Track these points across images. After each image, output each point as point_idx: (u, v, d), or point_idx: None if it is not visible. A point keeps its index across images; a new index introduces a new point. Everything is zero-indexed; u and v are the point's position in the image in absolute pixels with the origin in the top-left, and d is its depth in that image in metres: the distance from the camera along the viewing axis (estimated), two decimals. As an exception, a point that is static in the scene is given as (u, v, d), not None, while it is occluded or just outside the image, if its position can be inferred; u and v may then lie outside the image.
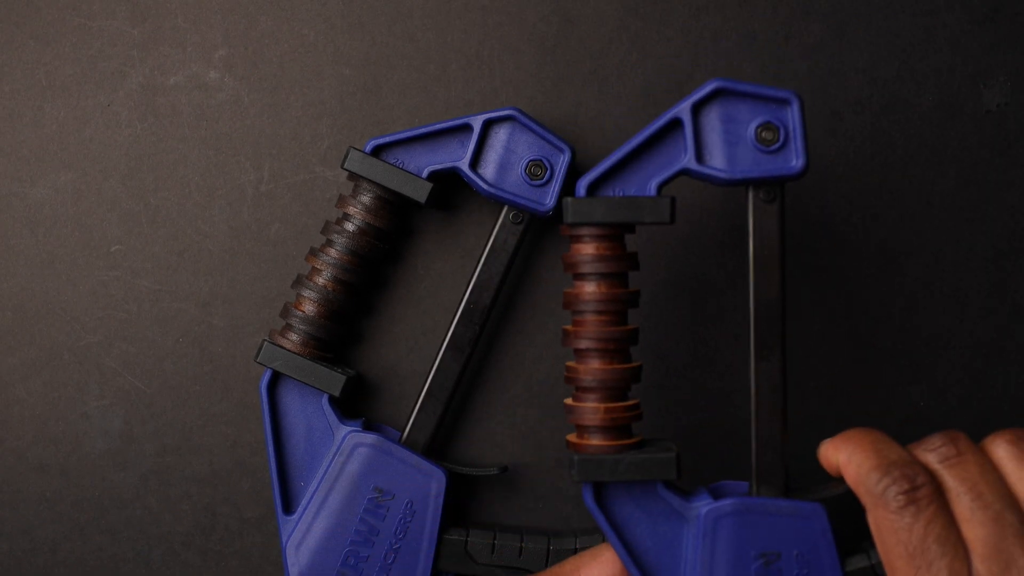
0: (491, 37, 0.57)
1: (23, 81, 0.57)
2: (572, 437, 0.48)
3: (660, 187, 0.46)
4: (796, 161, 0.46)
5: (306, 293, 0.53)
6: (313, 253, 0.54)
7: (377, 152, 0.53)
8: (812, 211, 0.57)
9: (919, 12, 0.57)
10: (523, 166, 0.53)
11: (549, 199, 0.53)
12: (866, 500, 0.44)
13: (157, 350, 0.57)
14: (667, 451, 0.46)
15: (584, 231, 0.46)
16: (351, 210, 0.54)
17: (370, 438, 0.53)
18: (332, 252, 0.53)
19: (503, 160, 0.53)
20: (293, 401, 0.54)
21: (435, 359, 0.54)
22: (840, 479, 0.46)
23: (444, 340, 0.54)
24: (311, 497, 0.53)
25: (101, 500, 0.57)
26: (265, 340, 0.53)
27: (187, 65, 0.57)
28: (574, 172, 0.56)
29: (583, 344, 0.47)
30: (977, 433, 0.57)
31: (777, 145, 0.46)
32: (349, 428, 0.53)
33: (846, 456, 0.45)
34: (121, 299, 0.57)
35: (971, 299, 0.57)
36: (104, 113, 0.57)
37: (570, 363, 0.48)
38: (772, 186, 0.46)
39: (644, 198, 0.45)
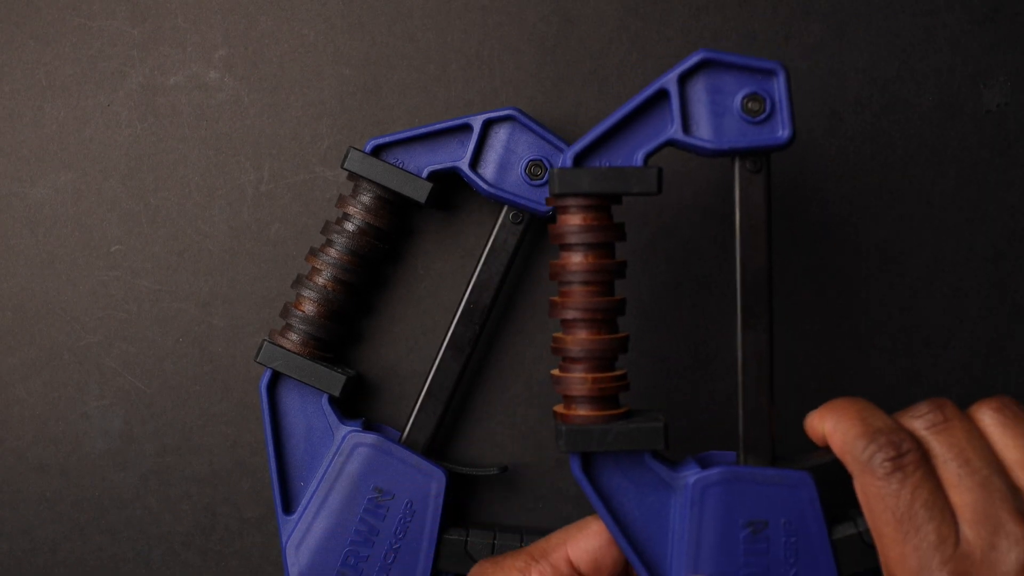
0: (491, 37, 0.57)
1: (23, 81, 0.57)
2: (559, 408, 0.48)
3: (647, 158, 0.46)
4: (782, 131, 0.46)
5: (306, 293, 0.53)
6: (313, 253, 0.54)
7: (377, 152, 0.54)
8: (812, 211, 0.57)
9: (919, 12, 0.57)
10: (523, 166, 0.53)
11: (549, 199, 0.53)
12: (852, 468, 0.44)
13: (157, 350, 0.57)
14: (655, 421, 0.46)
15: (570, 201, 0.46)
16: (351, 210, 0.54)
17: (370, 438, 0.53)
18: (332, 252, 0.53)
19: (503, 160, 0.53)
20: (293, 401, 0.54)
21: (435, 359, 0.54)
22: (826, 448, 0.46)
23: (444, 340, 0.54)
24: (311, 497, 0.53)
25: (101, 500, 0.57)
26: (265, 340, 0.53)
27: (187, 65, 0.57)
28: (574, 172, 0.56)
29: (570, 315, 0.46)
30: (977, 433, 0.57)
31: (763, 116, 0.46)
32: (349, 428, 0.53)
33: (831, 425, 0.45)
34: (121, 299, 0.57)
35: (971, 299, 0.57)
36: (104, 113, 0.57)
37: (557, 334, 0.48)
38: (758, 156, 0.46)
39: (631, 168, 0.45)
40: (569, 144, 0.53)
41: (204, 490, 0.57)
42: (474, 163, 0.53)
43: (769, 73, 0.46)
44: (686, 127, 0.46)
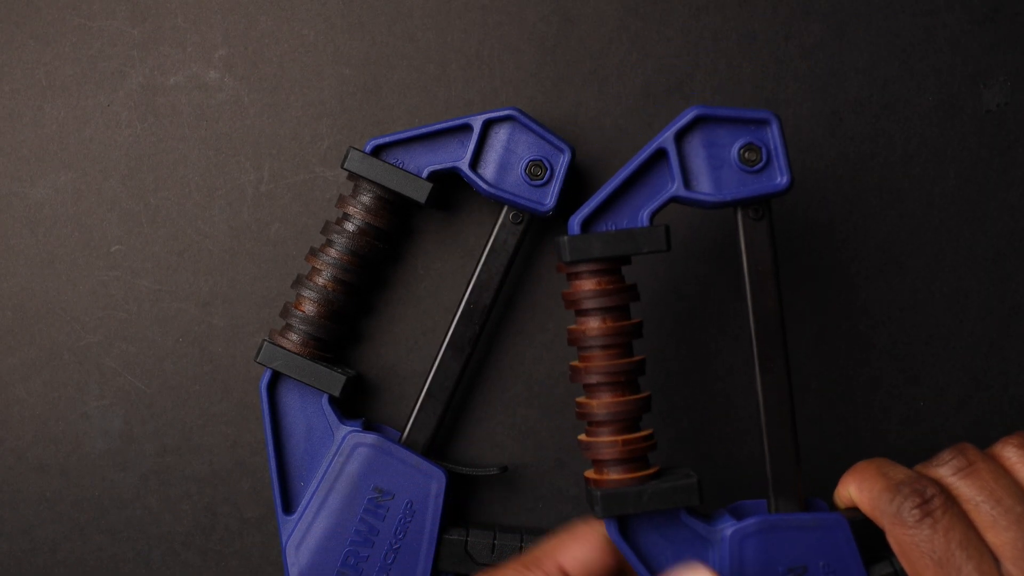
0: (491, 37, 0.57)
1: (23, 81, 0.57)
2: (591, 473, 0.48)
3: (652, 216, 0.47)
4: (781, 178, 0.47)
5: (306, 293, 0.53)
6: (313, 253, 0.54)
7: (377, 152, 0.53)
8: (812, 211, 0.57)
9: (919, 12, 0.57)
10: (523, 166, 0.53)
11: (549, 199, 0.53)
12: (883, 522, 0.44)
13: (157, 350, 0.57)
14: (687, 478, 0.46)
15: (582, 267, 0.47)
16: (351, 210, 0.54)
17: (370, 438, 0.53)
18: (332, 252, 0.53)
19: (503, 160, 0.53)
20: (293, 401, 0.54)
21: (435, 359, 0.54)
22: (853, 509, 0.47)
23: (444, 340, 0.54)
24: (311, 497, 0.53)
25: (101, 500, 0.57)
26: (265, 340, 0.53)
27: (187, 65, 0.57)
28: (574, 172, 0.56)
29: (593, 379, 0.47)
30: (977, 432, 0.57)
31: (761, 164, 0.47)
32: (349, 428, 0.53)
33: (856, 488, 0.46)
34: (121, 299, 0.57)
35: (971, 299, 0.57)
36: (104, 113, 0.57)
37: (580, 399, 0.48)
38: (759, 204, 0.47)
39: (639, 229, 0.46)
40: (569, 144, 0.53)
41: (204, 490, 0.57)
42: (474, 163, 0.53)
43: (763, 123, 0.47)
44: (687, 183, 0.47)
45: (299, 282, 0.54)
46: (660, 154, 0.47)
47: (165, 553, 0.57)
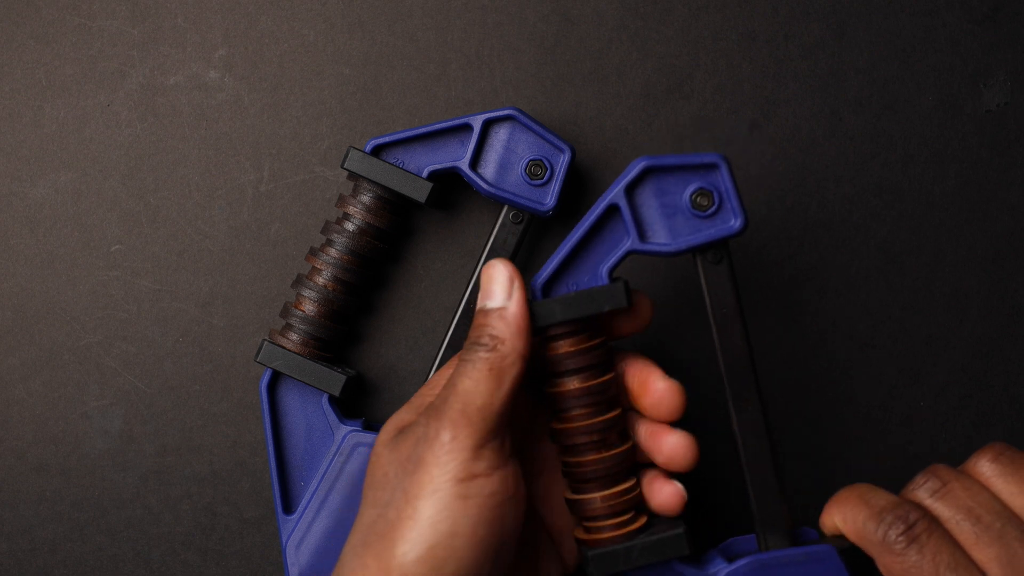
0: (491, 37, 0.57)
1: (23, 81, 0.57)
2: (579, 533, 0.48)
3: (611, 272, 0.47)
4: (735, 221, 0.47)
5: (306, 293, 0.53)
6: (313, 253, 0.54)
7: (377, 152, 0.54)
8: (812, 211, 0.57)
9: (919, 12, 0.57)
10: (523, 166, 0.53)
11: (549, 199, 0.53)
12: (871, 551, 0.45)
13: (157, 350, 0.57)
14: (675, 528, 0.47)
15: (554, 331, 0.47)
16: (351, 210, 0.54)
17: (370, 438, 0.53)
18: (332, 252, 0.53)
19: (503, 160, 0.53)
20: (293, 401, 0.54)
21: (435, 359, 0.54)
22: (839, 537, 0.47)
23: (444, 340, 0.54)
24: (311, 497, 0.53)
25: (101, 500, 0.57)
26: (265, 340, 0.53)
27: (187, 65, 0.57)
28: (574, 172, 0.56)
29: (580, 439, 0.47)
30: (977, 432, 0.57)
31: (713, 208, 0.47)
32: (349, 428, 0.53)
33: (841, 517, 0.46)
34: (121, 299, 0.57)
35: (971, 299, 0.57)
36: (104, 113, 0.57)
37: (567, 458, 0.47)
38: (717, 248, 0.47)
39: (598, 288, 0.46)
40: (569, 144, 0.53)
41: (204, 490, 0.57)
42: (474, 163, 0.53)
43: (711, 167, 0.47)
44: (642, 235, 0.47)
45: (299, 282, 0.54)
46: (613, 209, 0.47)
47: (165, 553, 0.57)
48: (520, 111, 0.53)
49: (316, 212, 0.57)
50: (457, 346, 0.54)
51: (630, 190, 0.47)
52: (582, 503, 0.47)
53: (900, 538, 0.43)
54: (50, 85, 0.57)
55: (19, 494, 0.57)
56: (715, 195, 0.46)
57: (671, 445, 0.47)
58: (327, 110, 0.57)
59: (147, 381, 0.57)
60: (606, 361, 0.47)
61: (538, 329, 0.46)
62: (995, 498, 0.44)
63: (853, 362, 0.57)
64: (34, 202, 0.57)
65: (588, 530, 0.47)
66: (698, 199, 0.46)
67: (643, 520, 0.47)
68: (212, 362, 0.57)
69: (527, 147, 0.53)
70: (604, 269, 0.47)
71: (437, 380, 0.48)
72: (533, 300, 0.46)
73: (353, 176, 0.54)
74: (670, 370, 0.48)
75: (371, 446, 0.52)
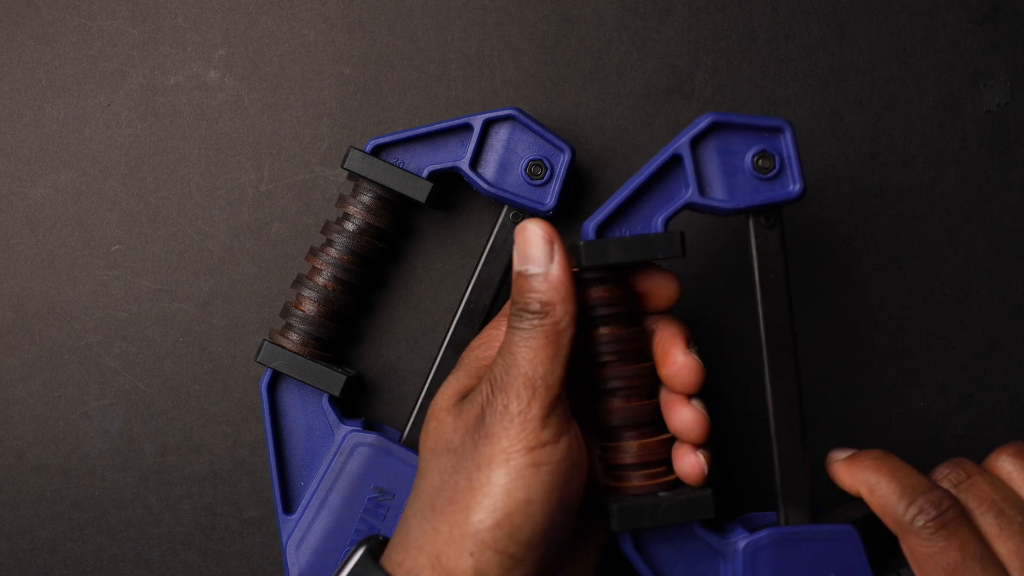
0: (491, 37, 0.57)
1: (23, 81, 0.57)
2: (610, 481, 0.48)
3: (666, 222, 0.47)
4: (794, 186, 0.47)
5: (306, 293, 0.53)
6: (313, 253, 0.54)
7: (377, 152, 0.54)
8: (812, 211, 0.57)
9: (919, 12, 0.57)
10: (523, 166, 0.53)
11: (549, 199, 0.53)
12: (896, 529, 0.45)
13: (157, 350, 0.57)
14: (702, 490, 0.46)
15: (591, 275, 0.47)
16: (351, 210, 0.54)
17: (370, 438, 0.53)
18: (332, 252, 0.53)
19: (503, 160, 0.53)
20: (293, 401, 0.54)
21: (435, 359, 0.54)
22: (859, 501, 0.47)
23: (444, 340, 0.54)
24: (311, 497, 0.53)
25: (101, 500, 0.57)
26: (265, 340, 0.53)
27: (187, 65, 0.57)
28: (574, 172, 0.56)
29: (615, 384, 0.47)
30: (977, 432, 0.57)
31: (774, 172, 0.47)
32: (349, 428, 0.53)
33: (868, 487, 0.46)
34: (121, 299, 0.57)
35: (971, 299, 0.57)
36: (104, 113, 0.57)
37: (601, 406, 0.48)
38: (771, 212, 0.47)
39: (654, 235, 0.46)
40: (569, 144, 0.53)
41: (204, 490, 0.57)
42: (474, 163, 0.53)
43: (776, 130, 0.47)
44: (701, 189, 0.47)
45: (299, 282, 0.54)
46: (675, 160, 0.47)
47: (165, 553, 0.57)
48: (520, 111, 0.53)
49: (316, 212, 0.57)
50: (457, 346, 0.54)
51: (695, 143, 0.47)
52: (614, 450, 0.47)
53: (930, 523, 0.44)
54: (50, 85, 0.57)
55: (19, 494, 0.57)
56: (776, 159, 0.47)
57: (682, 419, 0.47)
58: (327, 110, 0.57)
59: (147, 381, 0.57)
60: (637, 313, 0.48)
61: (585, 268, 0.46)
62: (1015, 494, 0.45)
63: (853, 362, 0.57)
64: (34, 202, 0.57)
65: (618, 479, 0.47)
66: (760, 161, 0.47)
67: (673, 476, 0.47)
68: (212, 362, 0.57)
69: (527, 147, 0.53)
70: (660, 219, 0.47)
71: (488, 338, 0.48)
72: (585, 240, 0.46)
73: (353, 176, 0.54)
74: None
75: (371, 446, 0.53)
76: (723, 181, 0.47)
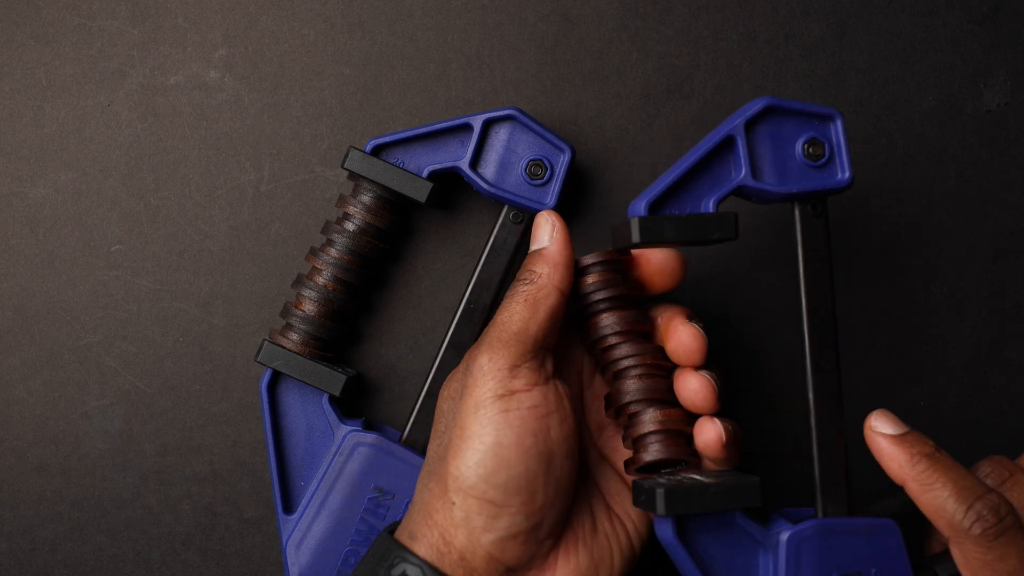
0: (491, 37, 0.57)
1: (23, 81, 0.57)
2: (632, 453, 0.48)
3: (717, 204, 0.47)
4: (843, 174, 0.47)
5: (306, 293, 0.53)
6: (313, 253, 0.54)
7: (377, 152, 0.54)
8: (812, 211, 0.57)
9: (919, 12, 0.57)
10: (523, 166, 0.53)
11: (549, 199, 0.53)
12: (950, 533, 0.44)
13: (157, 350, 0.57)
14: (748, 477, 0.46)
15: (589, 261, 0.48)
16: (351, 210, 0.54)
17: (370, 437, 0.53)
18: (332, 252, 0.53)
19: (503, 160, 0.53)
20: (293, 401, 0.54)
21: (435, 359, 0.54)
22: (898, 492, 0.47)
23: (444, 340, 0.54)
24: (311, 497, 0.53)
25: (101, 500, 0.57)
26: (265, 340, 0.53)
27: (187, 65, 0.57)
28: (574, 172, 0.56)
29: (624, 364, 0.47)
30: (977, 432, 0.57)
31: (823, 160, 0.47)
32: (349, 428, 0.53)
33: (920, 484, 0.45)
34: (121, 299, 0.57)
35: (971, 299, 0.57)
36: (104, 113, 0.57)
37: (613, 389, 0.48)
38: (818, 200, 0.47)
39: (710, 215, 0.46)
40: (569, 144, 0.53)
41: (204, 490, 0.57)
42: (474, 163, 0.53)
43: (827, 118, 0.47)
44: (754, 172, 0.47)
45: (299, 282, 0.54)
46: (728, 142, 0.47)
47: (165, 553, 0.57)
48: (520, 111, 0.53)
49: (316, 212, 0.57)
50: (457, 346, 0.54)
51: (749, 126, 0.47)
52: (634, 426, 0.47)
53: (990, 531, 0.43)
54: (50, 85, 0.57)
55: (19, 494, 0.57)
56: (827, 147, 0.47)
57: (690, 387, 0.47)
58: (327, 110, 0.57)
59: (147, 381, 0.57)
60: (637, 299, 0.48)
61: (641, 244, 0.46)
62: None
63: (853, 362, 0.57)
64: (34, 202, 0.57)
65: (639, 449, 0.47)
66: (810, 148, 0.47)
67: (693, 449, 0.47)
68: (212, 362, 0.57)
69: (527, 147, 0.53)
70: (711, 200, 0.47)
71: None
72: (639, 215, 0.46)
73: (353, 176, 0.54)
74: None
75: (371, 446, 0.53)
76: (774, 166, 0.47)
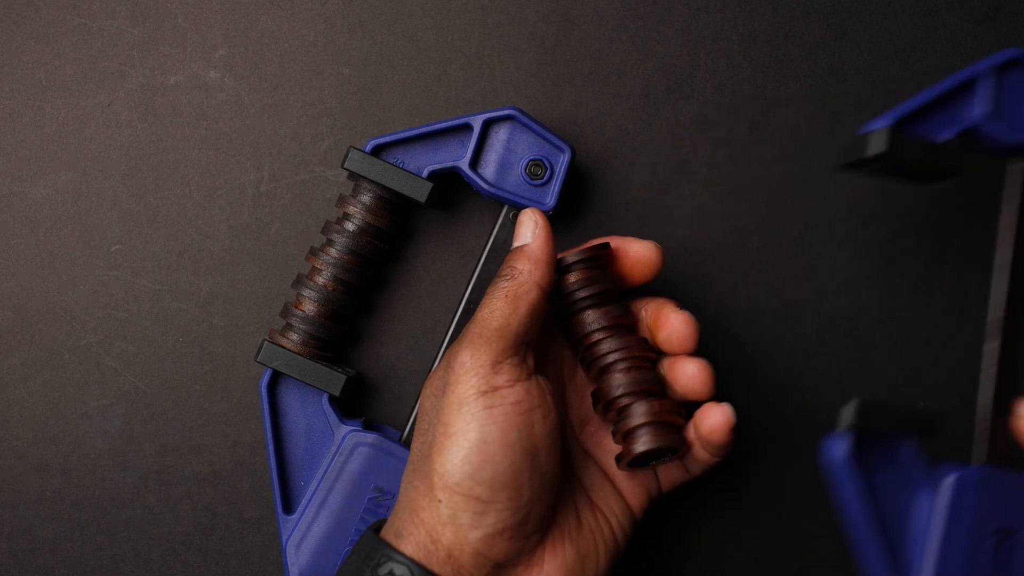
0: (491, 37, 0.57)
1: (23, 81, 0.57)
2: (622, 445, 0.48)
3: (957, 136, 0.48)
4: None
5: (306, 293, 0.53)
6: (313, 253, 0.54)
7: (377, 152, 0.54)
8: (813, 210, 0.57)
9: (919, 12, 0.57)
10: (523, 166, 0.53)
11: (549, 199, 0.53)
12: None
13: (157, 350, 0.57)
14: (929, 409, 0.45)
15: (570, 260, 0.48)
16: (351, 210, 0.54)
17: (370, 437, 0.53)
18: (332, 252, 0.53)
19: (503, 160, 0.53)
20: (293, 401, 0.54)
21: (435, 359, 0.54)
22: None
23: (444, 340, 0.54)
24: (311, 497, 0.53)
25: (101, 500, 0.57)
26: (265, 340, 0.53)
27: (187, 65, 0.57)
28: (574, 172, 0.56)
29: (610, 358, 0.48)
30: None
31: None
32: (349, 428, 0.53)
33: None
34: (121, 299, 0.57)
35: (971, 299, 0.57)
36: (104, 113, 0.57)
37: (601, 378, 0.48)
38: None
39: (955, 148, 0.47)
40: (569, 144, 0.53)
41: (204, 490, 0.57)
42: (474, 163, 0.53)
43: None
44: (994, 115, 0.47)
45: (299, 282, 0.54)
46: (968, 84, 0.47)
47: (165, 553, 0.57)
48: (520, 111, 0.53)
49: (316, 212, 0.57)
50: (457, 346, 0.54)
51: (995, 71, 0.48)
52: (624, 419, 0.47)
53: None
54: (50, 85, 0.57)
55: (19, 494, 0.57)
56: None
57: (686, 373, 0.48)
58: (327, 110, 0.57)
59: (147, 381, 0.57)
60: (619, 294, 0.49)
61: (881, 159, 0.46)
62: None
63: (853, 362, 0.57)
64: (34, 202, 0.57)
65: (630, 441, 0.47)
66: None
67: (685, 439, 0.48)
68: (212, 362, 0.57)
69: (527, 147, 0.53)
70: (948, 134, 0.47)
71: None
72: (885, 127, 0.46)
73: (353, 176, 0.54)
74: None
75: (371, 446, 0.53)
76: (1008, 117, 0.47)
